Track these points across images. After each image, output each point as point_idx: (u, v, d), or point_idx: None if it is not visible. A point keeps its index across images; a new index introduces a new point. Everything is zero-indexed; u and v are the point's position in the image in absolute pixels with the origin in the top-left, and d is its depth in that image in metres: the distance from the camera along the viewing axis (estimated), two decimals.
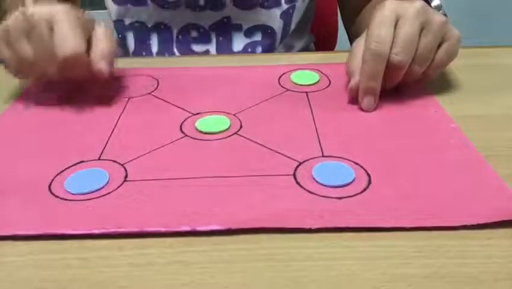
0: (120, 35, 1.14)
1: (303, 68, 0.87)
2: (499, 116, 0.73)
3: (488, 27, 2.48)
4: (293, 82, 0.83)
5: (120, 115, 0.74)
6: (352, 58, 0.76)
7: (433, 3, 1.10)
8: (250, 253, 0.49)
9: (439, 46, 0.74)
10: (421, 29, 0.71)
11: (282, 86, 0.82)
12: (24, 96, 0.80)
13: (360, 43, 0.75)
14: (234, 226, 0.51)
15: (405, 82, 0.75)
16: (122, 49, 1.17)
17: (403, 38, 0.70)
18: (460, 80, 0.82)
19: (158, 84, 0.83)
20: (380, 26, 0.71)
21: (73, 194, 0.57)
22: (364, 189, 0.57)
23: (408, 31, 0.70)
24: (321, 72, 0.86)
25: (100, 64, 0.73)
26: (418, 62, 0.72)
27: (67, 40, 0.70)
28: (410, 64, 0.72)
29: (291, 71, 0.86)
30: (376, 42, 0.70)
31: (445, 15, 0.86)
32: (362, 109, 0.74)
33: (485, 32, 2.30)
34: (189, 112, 0.74)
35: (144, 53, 1.13)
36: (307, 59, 0.95)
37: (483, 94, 0.79)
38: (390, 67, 0.71)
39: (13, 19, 0.72)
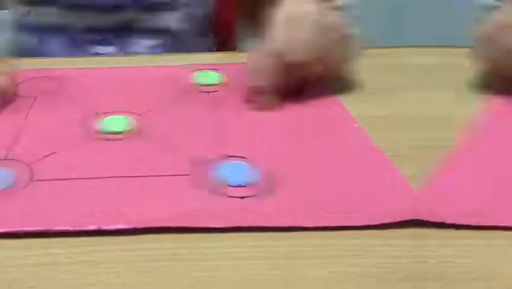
0: (22, 35, 1.13)
1: (205, 69, 0.87)
2: (403, 116, 0.74)
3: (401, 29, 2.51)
4: (195, 83, 0.84)
5: (27, 115, 0.74)
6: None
7: (337, 2, 1.11)
8: (156, 253, 0.50)
9: (338, 45, 0.76)
10: (319, 28, 0.73)
11: (183, 86, 0.82)
12: None
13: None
14: (139, 225, 0.52)
15: (307, 82, 0.77)
16: (26, 50, 1.15)
17: (300, 37, 0.72)
18: (364, 81, 0.83)
19: (62, 84, 0.83)
20: (277, 27, 0.73)
21: None
22: (269, 190, 0.58)
23: (306, 30, 0.73)
24: (222, 72, 0.86)
25: None
26: (316, 61, 0.74)
27: None
28: (309, 63, 0.73)
29: (192, 71, 0.86)
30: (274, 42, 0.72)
31: (348, 15, 0.87)
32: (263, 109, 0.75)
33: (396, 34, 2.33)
34: (93, 112, 0.74)
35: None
36: (208, 59, 0.98)
37: (387, 94, 0.80)
38: (290, 66, 0.72)
39: None
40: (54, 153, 0.65)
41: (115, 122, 0.72)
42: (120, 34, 1.10)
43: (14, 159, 0.63)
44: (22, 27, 1.12)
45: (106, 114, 0.74)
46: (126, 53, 1.09)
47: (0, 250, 0.50)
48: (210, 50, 1.27)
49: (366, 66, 0.83)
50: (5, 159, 0.64)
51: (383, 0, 2.31)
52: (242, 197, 0.56)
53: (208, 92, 0.81)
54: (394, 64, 0.92)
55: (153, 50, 1.11)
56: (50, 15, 1.08)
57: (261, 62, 0.73)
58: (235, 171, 0.61)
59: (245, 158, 0.64)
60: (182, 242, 0.51)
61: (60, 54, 1.09)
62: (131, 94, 0.80)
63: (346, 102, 0.77)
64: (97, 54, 1.10)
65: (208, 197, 0.57)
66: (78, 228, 0.52)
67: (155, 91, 0.81)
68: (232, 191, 0.57)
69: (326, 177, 0.60)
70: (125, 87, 0.83)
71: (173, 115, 0.74)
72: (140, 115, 0.73)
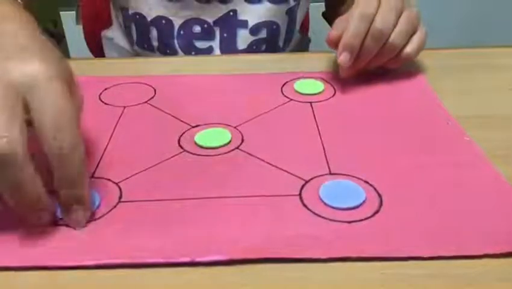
0: (127, 23, 1.11)
1: (307, 77, 0.83)
2: (499, 116, 0.72)
3: (488, 28, 2.46)
4: (297, 91, 0.79)
5: (115, 126, 0.70)
6: (337, 24, 0.81)
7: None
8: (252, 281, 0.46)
9: (411, 35, 0.80)
10: (399, 16, 0.78)
11: (285, 96, 0.78)
12: None
13: (344, 16, 0.80)
14: (236, 256, 0.48)
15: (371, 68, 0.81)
16: (127, 38, 1.15)
17: (385, 11, 0.76)
18: (459, 80, 0.83)
19: (155, 92, 0.80)
20: (366, 0, 0.77)
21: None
22: (376, 212, 0.53)
23: (390, 11, 0.77)
24: (326, 81, 0.82)
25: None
26: (390, 46, 0.78)
27: None
28: (381, 49, 0.78)
29: (294, 79, 0.82)
30: (364, 7, 0.76)
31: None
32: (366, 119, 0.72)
33: (485, 33, 2.28)
34: (188, 124, 0.70)
35: (145, 46, 1.10)
36: (306, 59, 0.95)
37: (483, 94, 0.78)
38: (371, 37, 0.76)
39: None
40: (144, 170, 0.61)
41: (211, 135, 0.67)
42: (222, 28, 1.07)
43: (101, 178, 0.60)
44: (125, 15, 1.11)
45: (201, 126, 0.70)
46: (228, 50, 1.08)
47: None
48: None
49: (462, 66, 0.86)
50: (92, 177, 0.60)
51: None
52: (349, 222, 0.52)
53: (310, 102, 0.76)
54: (486, 64, 0.88)
55: (256, 47, 1.09)
56: (147, 6, 1.06)
57: (349, 20, 0.77)
58: (340, 192, 0.56)
59: (350, 175, 0.59)
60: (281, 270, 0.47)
61: (157, 48, 1.09)
62: (228, 104, 0.76)
63: (443, 101, 0.75)
64: (196, 49, 1.08)
65: (310, 221, 0.53)
66: (170, 260, 0.48)
67: (253, 101, 0.77)
68: (337, 215, 0.53)
69: (438, 198, 0.56)
70: (222, 96, 0.78)
71: (272, 128, 0.70)
72: (235, 127, 0.69)
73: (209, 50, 1.07)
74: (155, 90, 0.80)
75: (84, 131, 0.68)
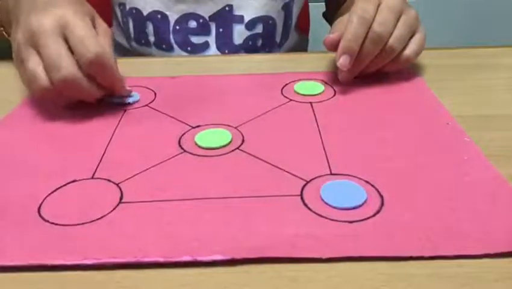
0: (124, 19, 1.12)
1: (307, 78, 0.84)
2: (499, 116, 0.72)
3: (488, 28, 2.45)
4: (297, 92, 0.79)
5: (116, 128, 0.70)
6: (336, 26, 0.83)
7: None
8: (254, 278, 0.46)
9: (410, 38, 0.80)
10: (398, 18, 0.78)
11: (285, 96, 0.78)
12: (18, 108, 0.76)
13: (344, 17, 0.82)
14: (237, 256, 0.48)
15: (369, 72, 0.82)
16: (125, 34, 1.15)
17: (384, 12, 0.77)
18: (457, 80, 0.83)
19: (155, 95, 0.80)
20: (366, 2, 0.77)
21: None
22: (377, 212, 0.53)
23: (389, 14, 0.77)
24: (326, 82, 0.82)
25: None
26: (388, 49, 0.78)
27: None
28: (381, 51, 0.78)
29: (294, 81, 0.83)
30: (363, 10, 0.76)
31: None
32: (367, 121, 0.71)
33: (485, 32, 2.27)
34: (188, 125, 0.70)
35: (143, 41, 1.10)
36: (304, 59, 0.95)
37: (483, 94, 0.78)
38: (370, 41, 0.76)
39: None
40: (145, 171, 0.61)
41: (211, 136, 0.67)
42: (217, 24, 1.07)
43: (101, 178, 0.60)
44: (123, 10, 1.11)
45: (201, 126, 0.70)
46: (224, 45, 1.08)
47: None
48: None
49: (463, 66, 0.87)
50: (92, 178, 0.60)
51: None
52: (350, 222, 0.52)
53: (311, 103, 0.77)
54: (486, 64, 0.89)
55: (252, 42, 1.09)
56: (143, 1, 1.07)
57: (347, 23, 0.77)
58: (341, 192, 0.56)
59: (351, 175, 0.59)
60: (281, 270, 0.47)
61: (153, 43, 1.09)
62: (228, 105, 0.76)
63: (442, 101, 0.75)
64: (192, 45, 1.08)
65: (311, 221, 0.52)
66: (171, 260, 0.48)
67: (254, 101, 0.77)
68: (338, 215, 0.53)
69: (439, 198, 0.55)
70: (222, 97, 0.79)
71: (273, 128, 0.70)
72: (236, 128, 0.69)
73: (205, 46, 1.08)
74: (155, 94, 0.80)
75: (85, 132, 0.68)
